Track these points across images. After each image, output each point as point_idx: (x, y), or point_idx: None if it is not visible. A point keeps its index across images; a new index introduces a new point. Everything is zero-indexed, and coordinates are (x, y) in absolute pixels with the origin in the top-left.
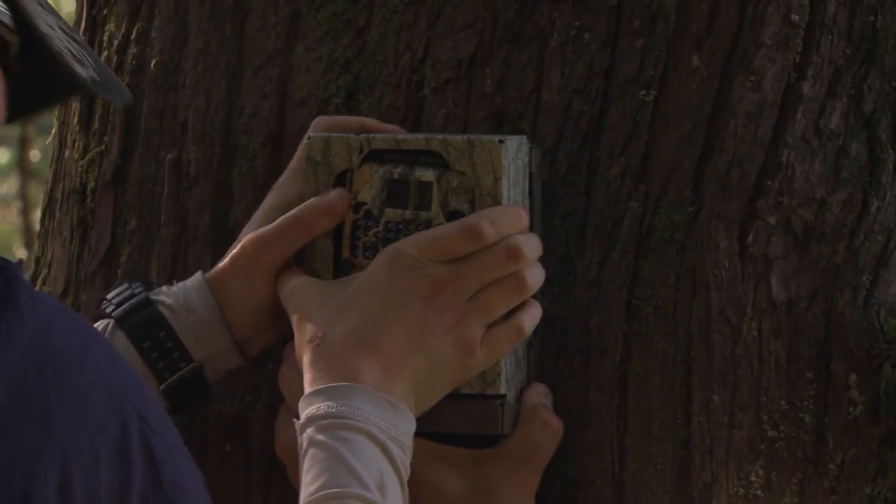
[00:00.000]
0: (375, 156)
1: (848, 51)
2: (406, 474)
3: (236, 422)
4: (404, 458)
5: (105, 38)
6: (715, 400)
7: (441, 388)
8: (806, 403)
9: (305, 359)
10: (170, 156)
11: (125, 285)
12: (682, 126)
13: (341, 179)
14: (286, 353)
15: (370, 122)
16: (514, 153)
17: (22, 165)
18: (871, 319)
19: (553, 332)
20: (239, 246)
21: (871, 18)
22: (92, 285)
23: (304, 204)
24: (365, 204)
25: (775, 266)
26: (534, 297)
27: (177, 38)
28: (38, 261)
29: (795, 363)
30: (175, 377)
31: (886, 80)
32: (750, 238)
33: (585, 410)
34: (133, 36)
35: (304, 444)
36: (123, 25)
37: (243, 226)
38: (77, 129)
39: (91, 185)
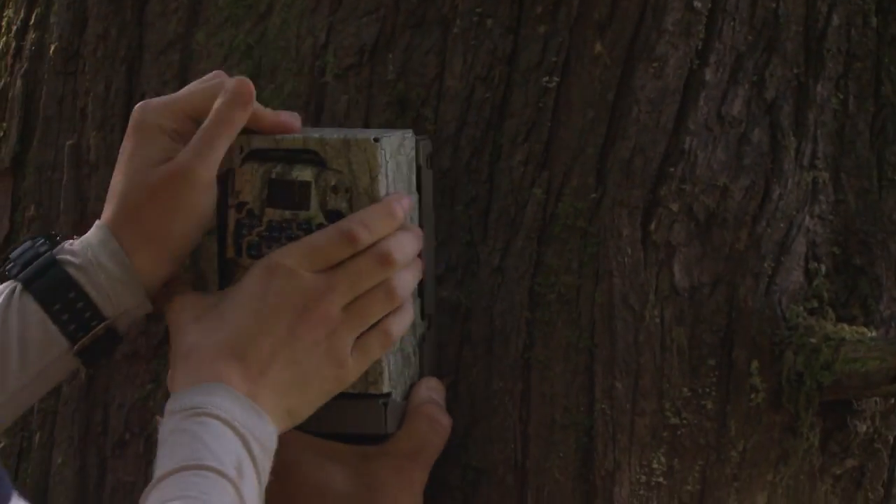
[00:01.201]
0: (257, 154)
1: (750, 38)
2: (264, 478)
3: (136, 410)
4: (264, 459)
5: (4, 23)
6: (618, 387)
7: (316, 398)
8: (708, 390)
9: (176, 371)
10: (69, 142)
11: (28, 243)
12: (584, 113)
13: (223, 179)
14: None
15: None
16: (395, 149)
17: None
18: (772, 306)
19: (456, 320)
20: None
21: (773, 5)
22: None
23: (215, 107)
24: (247, 203)
25: (678, 253)
26: (427, 284)
27: (76, 23)
28: None
29: (698, 350)
30: (87, 336)
31: (788, 67)
32: (653, 225)
33: (488, 398)
34: (32, 21)
35: (162, 438)
36: (22, 11)
37: None
38: None
39: None
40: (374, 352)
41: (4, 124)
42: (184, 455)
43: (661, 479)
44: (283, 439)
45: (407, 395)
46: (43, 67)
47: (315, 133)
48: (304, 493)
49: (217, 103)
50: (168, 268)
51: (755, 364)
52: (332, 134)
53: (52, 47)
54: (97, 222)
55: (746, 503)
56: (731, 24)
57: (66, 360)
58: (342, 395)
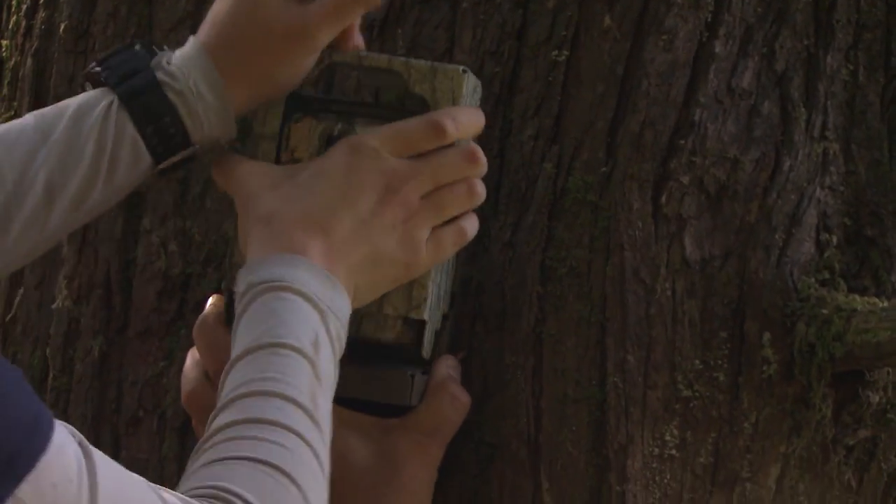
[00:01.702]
0: (312, 110)
1: (759, 9)
2: (338, 347)
3: (150, 387)
4: (340, 330)
5: (14, 2)
6: (629, 360)
7: (382, 283)
8: (720, 363)
9: (252, 236)
10: None
11: (127, 51)
12: (594, 87)
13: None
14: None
15: None
16: (472, 89)
17: None
18: (784, 278)
19: (468, 296)
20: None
21: None
22: None
23: None
24: (301, 160)
25: (689, 226)
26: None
27: (85, 2)
28: None
29: (709, 323)
30: (171, 159)
31: (798, 39)
32: (663, 198)
33: (501, 373)
34: (41, 0)
35: (241, 310)
36: None
37: None
38: None
39: None
40: (447, 248)
41: (15, 103)
42: (262, 331)
43: (673, 452)
44: None
45: (426, 372)
46: (53, 46)
47: (400, 56)
48: None
49: None
50: (253, 106)
51: (767, 336)
52: (417, 60)
53: (62, 26)
54: (195, 41)
55: (759, 475)
56: None
57: (146, 175)
58: (370, 365)
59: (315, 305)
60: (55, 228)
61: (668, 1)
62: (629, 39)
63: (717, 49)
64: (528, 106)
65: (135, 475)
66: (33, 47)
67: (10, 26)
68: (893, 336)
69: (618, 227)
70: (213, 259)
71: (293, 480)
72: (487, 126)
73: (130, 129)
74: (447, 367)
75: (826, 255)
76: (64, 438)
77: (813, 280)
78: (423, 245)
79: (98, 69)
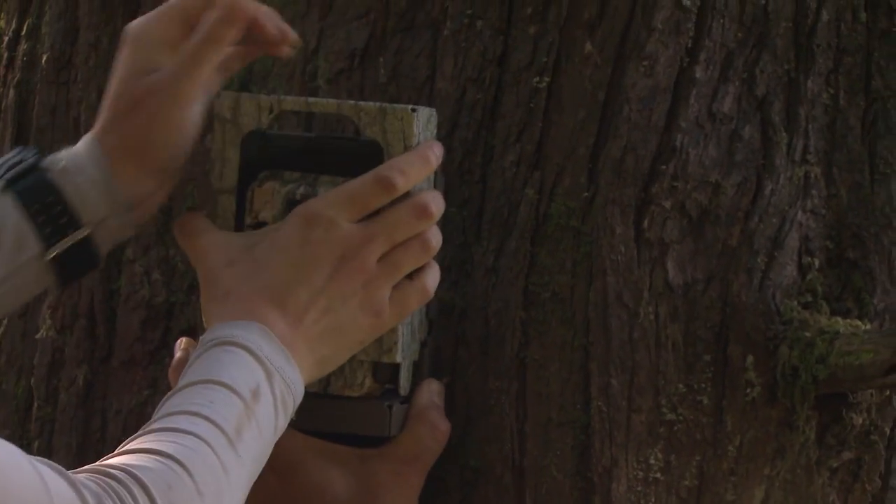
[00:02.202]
0: (276, 174)
1: (740, 34)
2: (286, 413)
3: (134, 416)
4: (287, 399)
5: None
6: (613, 384)
7: (348, 348)
8: (704, 386)
9: (210, 313)
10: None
11: (17, 150)
12: (576, 112)
13: (241, 199)
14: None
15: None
16: (425, 123)
17: None
18: (766, 301)
19: (451, 321)
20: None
21: (762, 2)
22: None
23: (204, 19)
24: (265, 224)
25: (671, 250)
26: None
27: (67, 32)
28: None
29: (693, 346)
30: (62, 241)
31: (778, 64)
32: (645, 223)
33: (484, 398)
34: (24, 32)
35: (191, 362)
36: (14, 21)
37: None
38: None
39: None
40: (410, 305)
41: None
42: (199, 374)
43: (658, 475)
44: (285, 441)
45: (406, 401)
46: (35, 77)
47: (348, 100)
48: (304, 494)
49: (207, 16)
50: (148, 182)
51: (750, 359)
52: (366, 102)
53: (45, 57)
54: (86, 135)
55: (744, 497)
56: (721, 21)
57: (38, 267)
58: (345, 397)
59: (260, 362)
60: None
61: (649, 27)
62: (610, 65)
63: (698, 74)
64: (509, 132)
65: (8, 444)
66: (16, 79)
67: None
68: (876, 358)
69: (600, 252)
70: (197, 287)
71: (189, 472)
72: (469, 152)
73: (13, 208)
74: (430, 393)
75: (808, 277)
76: None
77: (795, 303)
78: (385, 305)
79: None
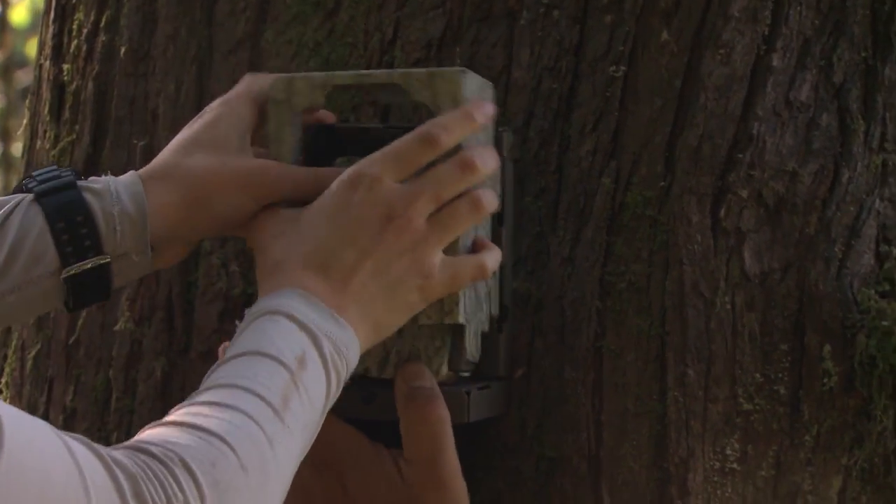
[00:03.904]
0: (351, 159)
1: (816, 22)
2: (336, 380)
3: None
4: (339, 362)
5: (74, 26)
6: (690, 374)
7: (401, 310)
8: (781, 375)
9: (262, 286)
10: (141, 143)
11: (54, 167)
12: (652, 101)
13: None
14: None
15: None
16: (478, 88)
17: (5, 159)
18: (844, 290)
19: (527, 311)
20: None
21: None
22: None
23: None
24: None
25: (748, 239)
26: (505, 274)
27: (145, 25)
28: None
29: (769, 336)
30: (79, 264)
31: (856, 51)
32: (722, 212)
33: (561, 388)
34: (102, 24)
35: (236, 334)
36: (92, 14)
37: None
38: (48, 118)
39: None
40: (464, 277)
41: (77, 126)
42: (243, 346)
43: (735, 465)
44: (332, 439)
45: (479, 346)
46: (114, 69)
47: (399, 69)
48: (341, 492)
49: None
50: (177, 244)
51: (827, 348)
52: (417, 69)
53: (123, 49)
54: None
55: (821, 487)
56: (798, 8)
57: (49, 283)
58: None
59: (304, 327)
60: None
61: (726, 14)
62: (686, 53)
63: (775, 62)
64: (585, 121)
65: (40, 421)
66: (94, 71)
67: (72, 50)
68: None
69: (677, 242)
70: None
71: (232, 448)
72: (546, 142)
73: (39, 221)
74: (403, 381)
75: (886, 266)
76: None
77: (873, 292)
78: (435, 268)
79: (24, 183)
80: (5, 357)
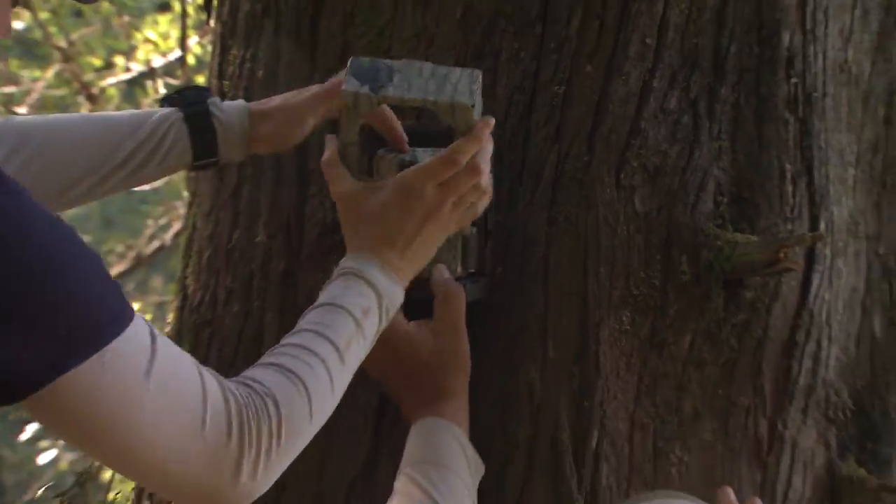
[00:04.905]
0: (389, 149)
1: (680, 60)
2: (387, 318)
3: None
4: (390, 308)
5: (231, 57)
6: (601, 272)
7: (430, 255)
8: (656, 273)
9: (348, 236)
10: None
11: (195, 90)
12: (580, 108)
13: (369, 166)
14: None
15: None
16: (478, 112)
17: None
18: (695, 223)
19: (503, 234)
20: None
21: (695, 41)
22: (225, 209)
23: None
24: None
25: (637, 192)
26: (490, 212)
27: (273, 57)
28: (193, 193)
29: (650, 250)
30: (201, 162)
31: (704, 78)
32: (622, 175)
33: (522, 283)
34: (248, 55)
35: (330, 280)
36: (241, 49)
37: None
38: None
39: None
40: (467, 221)
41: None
42: (329, 297)
43: (627, 327)
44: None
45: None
46: (255, 85)
47: (431, 97)
48: (400, 350)
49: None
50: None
51: (684, 258)
52: (441, 95)
53: (260, 73)
54: (242, 103)
55: (679, 341)
56: (669, 52)
57: (180, 169)
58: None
59: (374, 288)
60: (114, 186)
61: (626, 55)
62: (601, 79)
63: (655, 84)
64: (540, 120)
65: (187, 354)
66: (243, 85)
67: (229, 72)
68: (761, 258)
69: (594, 193)
70: None
71: (306, 389)
72: (515, 133)
73: (186, 137)
74: (438, 274)
75: (720, 209)
76: (140, 318)
77: (712, 224)
78: (454, 226)
79: (175, 96)
80: (186, 265)
